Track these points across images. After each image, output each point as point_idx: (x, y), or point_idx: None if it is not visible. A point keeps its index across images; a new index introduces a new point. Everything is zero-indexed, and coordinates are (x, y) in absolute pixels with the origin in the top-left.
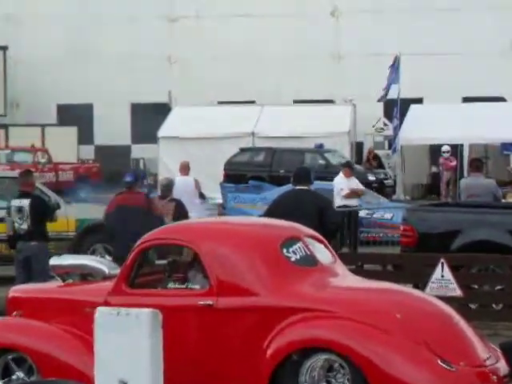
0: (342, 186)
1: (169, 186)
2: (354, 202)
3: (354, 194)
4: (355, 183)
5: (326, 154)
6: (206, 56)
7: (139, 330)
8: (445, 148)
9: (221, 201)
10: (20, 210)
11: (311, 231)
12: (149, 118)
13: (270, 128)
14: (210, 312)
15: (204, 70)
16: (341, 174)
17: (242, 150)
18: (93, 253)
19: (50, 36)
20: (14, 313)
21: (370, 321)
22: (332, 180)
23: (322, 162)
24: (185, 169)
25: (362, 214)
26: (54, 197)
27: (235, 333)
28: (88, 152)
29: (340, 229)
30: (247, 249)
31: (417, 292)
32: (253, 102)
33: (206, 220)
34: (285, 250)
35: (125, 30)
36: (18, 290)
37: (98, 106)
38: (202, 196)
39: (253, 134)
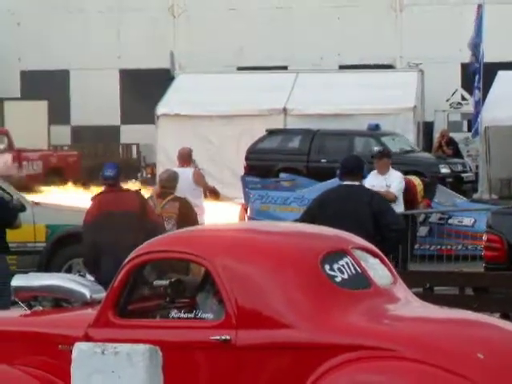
0: (372, 185)
1: (171, 180)
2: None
3: None
4: (389, 182)
5: (384, 139)
6: (221, 6)
7: (132, 374)
8: None
9: (242, 201)
10: None
11: (363, 242)
12: (144, 90)
13: (308, 103)
14: (226, 350)
15: (218, 25)
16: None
17: (271, 133)
18: (69, 270)
19: None
20: None
21: (442, 363)
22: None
23: (377, 148)
24: (184, 158)
25: (432, 218)
26: (16, 195)
27: (259, 378)
28: (63, 135)
29: (403, 239)
30: (277, 266)
31: (506, 324)
32: (284, 68)
33: (222, 227)
34: (327, 267)
35: None
36: None
37: (75, 74)
38: (214, 193)
39: (284, 110)
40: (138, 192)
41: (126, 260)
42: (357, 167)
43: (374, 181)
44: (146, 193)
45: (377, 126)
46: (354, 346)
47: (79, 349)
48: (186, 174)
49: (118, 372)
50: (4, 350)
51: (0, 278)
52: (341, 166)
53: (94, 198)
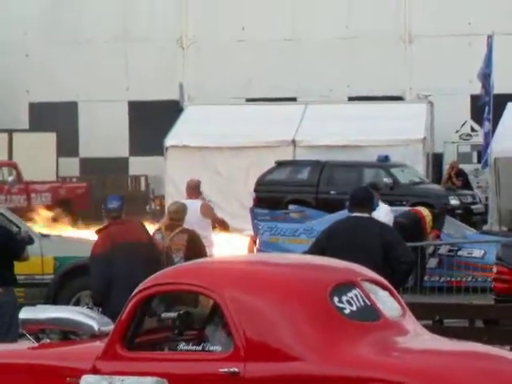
0: None
1: (180, 212)
2: None
3: None
4: (376, 215)
5: (393, 170)
6: (231, 38)
7: None
8: None
9: (251, 232)
10: None
11: (372, 274)
12: (153, 122)
13: (317, 134)
14: (234, 382)
15: (227, 57)
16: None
17: (280, 164)
18: (77, 303)
19: (18, 12)
20: None
21: None
22: (401, 204)
23: (387, 180)
24: (193, 190)
25: (442, 250)
26: (24, 227)
27: None
28: (71, 167)
29: (412, 271)
30: (285, 298)
31: None
32: (293, 100)
33: (230, 259)
34: (336, 300)
35: (119, 3)
36: None
37: (84, 106)
38: (223, 225)
39: (293, 142)
40: (142, 222)
41: (134, 292)
42: (366, 199)
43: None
44: (154, 226)
45: (386, 158)
46: (363, 378)
47: (86, 381)
48: (194, 205)
49: None
50: (12, 383)
51: (8, 311)
52: (350, 197)
53: (100, 231)
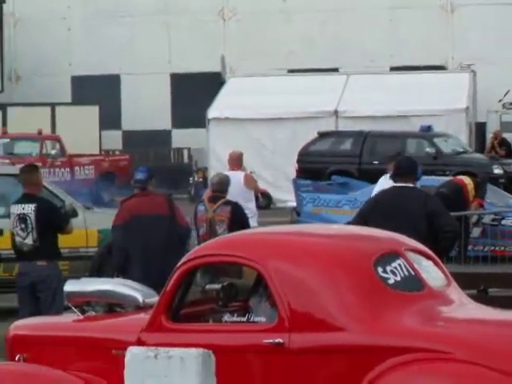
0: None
1: (223, 184)
2: None
3: None
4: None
5: (436, 140)
6: (272, 9)
7: (185, 378)
8: None
9: (294, 203)
10: (23, 218)
11: (416, 244)
12: (195, 94)
13: (359, 105)
14: (279, 353)
15: (269, 28)
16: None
17: (322, 135)
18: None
19: None
20: (17, 356)
21: (496, 365)
22: (444, 174)
23: (430, 150)
24: (235, 161)
25: (485, 219)
26: (68, 200)
27: (312, 381)
28: (114, 140)
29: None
30: (330, 268)
31: None
32: (335, 70)
33: (274, 230)
34: (380, 270)
35: None
36: (21, 327)
37: (126, 79)
38: (267, 196)
39: (336, 112)
40: (167, 196)
41: (179, 264)
42: (409, 169)
43: (386, 184)
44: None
45: (429, 128)
46: (407, 348)
47: (132, 353)
48: (236, 177)
49: (171, 376)
50: (58, 356)
51: (52, 284)
52: (394, 167)
53: (123, 202)
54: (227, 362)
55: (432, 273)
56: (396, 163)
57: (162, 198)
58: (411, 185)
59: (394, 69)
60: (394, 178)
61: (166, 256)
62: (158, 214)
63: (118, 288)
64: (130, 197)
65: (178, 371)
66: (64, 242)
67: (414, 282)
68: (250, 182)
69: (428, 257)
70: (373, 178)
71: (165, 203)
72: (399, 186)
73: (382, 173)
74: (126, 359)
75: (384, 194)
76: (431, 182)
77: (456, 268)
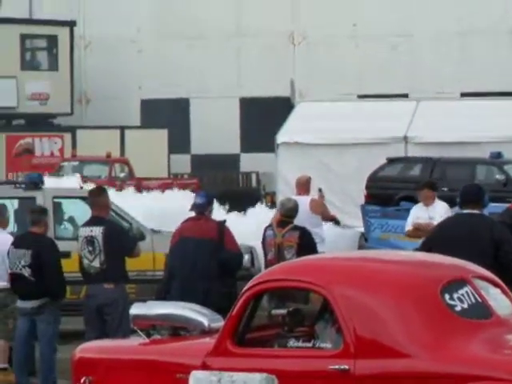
0: (417, 216)
1: (292, 209)
2: None
3: (418, 231)
4: (432, 214)
5: (506, 166)
6: (342, 33)
7: None
8: None
9: (362, 229)
10: (90, 241)
11: (484, 271)
12: (264, 118)
13: (429, 131)
14: (345, 380)
15: (338, 53)
16: (419, 203)
17: (391, 161)
18: None
19: (131, 9)
20: (83, 379)
21: None
22: None
23: (499, 176)
24: (303, 186)
25: None
26: (136, 224)
27: None
28: (183, 163)
29: None
30: (396, 295)
31: None
32: (405, 96)
33: (341, 256)
34: (447, 297)
35: None
36: (87, 350)
37: (196, 103)
38: (335, 221)
39: (405, 138)
40: (220, 222)
41: (245, 288)
42: (477, 195)
43: (418, 212)
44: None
45: (499, 154)
46: (475, 376)
47: (195, 377)
48: (303, 202)
49: None
50: (123, 379)
51: (119, 307)
52: (460, 194)
53: (180, 224)
54: None
55: (499, 300)
56: (462, 190)
57: (214, 223)
58: (478, 212)
59: (464, 95)
60: (460, 204)
61: (209, 281)
62: (205, 239)
63: (184, 312)
64: (185, 220)
65: None
66: (131, 265)
67: (481, 310)
68: (316, 207)
69: (495, 284)
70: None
71: (215, 228)
72: (466, 214)
73: (451, 199)
74: (190, 382)
75: (450, 220)
76: (500, 209)
77: None
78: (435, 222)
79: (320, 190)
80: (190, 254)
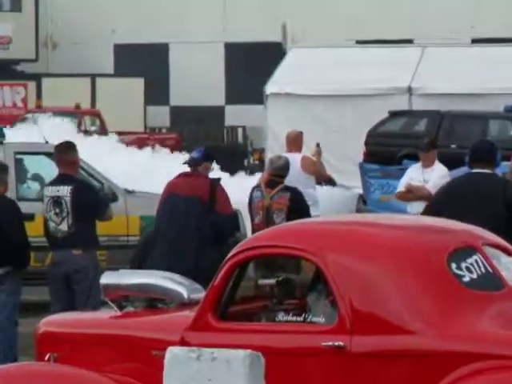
0: (411, 177)
1: (285, 168)
2: None
3: (409, 193)
4: (427, 177)
5: None
6: None
7: (230, 382)
8: None
9: (360, 190)
10: (57, 202)
11: (495, 238)
12: (252, 66)
13: (436, 81)
14: (339, 357)
15: None
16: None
17: (394, 115)
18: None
19: None
20: (47, 356)
21: None
22: None
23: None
24: (293, 142)
25: None
26: (108, 183)
27: None
28: (161, 116)
29: None
30: (398, 264)
31: None
32: (409, 42)
33: (336, 220)
34: (454, 266)
35: None
36: (53, 323)
37: (175, 48)
38: (331, 182)
39: (409, 89)
40: (213, 179)
41: (228, 256)
42: (489, 153)
43: (413, 173)
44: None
45: None
46: (484, 354)
47: (172, 354)
48: (294, 160)
49: (215, 380)
50: (92, 356)
51: (88, 276)
52: (470, 151)
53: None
54: (279, 365)
55: None
56: (472, 147)
57: (206, 180)
58: (489, 171)
59: (475, 41)
60: (470, 163)
61: (198, 245)
62: (194, 197)
63: (161, 281)
64: (176, 176)
65: (222, 374)
66: (102, 229)
67: (492, 281)
68: (309, 165)
69: (508, 253)
70: (450, 164)
71: (206, 186)
72: (476, 173)
73: (460, 158)
74: (166, 360)
75: (459, 180)
76: None
77: None
78: (428, 186)
79: (318, 146)
80: (178, 213)
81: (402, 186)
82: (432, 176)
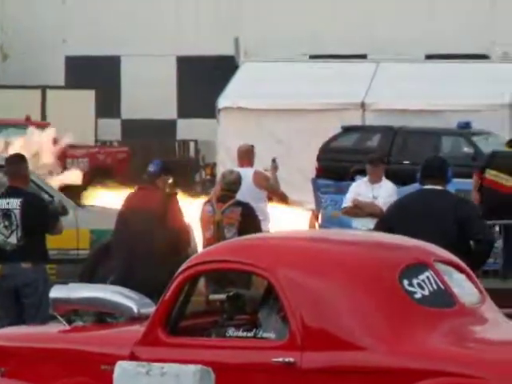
0: (358, 193)
1: (235, 182)
2: None
3: (355, 209)
4: (376, 193)
5: (475, 138)
6: None
7: None
8: None
9: (313, 206)
10: (6, 214)
11: (447, 254)
12: (204, 80)
13: (390, 96)
14: (289, 374)
15: (289, 7)
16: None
17: (346, 130)
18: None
19: None
20: None
21: None
22: None
23: (467, 149)
24: (244, 156)
25: None
26: (58, 196)
27: None
28: (112, 129)
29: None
30: (349, 280)
31: None
32: (363, 57)
33: (288, 235)
34: (406, 282)
35: None
36: (1, 337)
37: (127, 61)
38: (281, 197)
39: (362, 105)
40: (167, 193)
41: (179, 270)
42: (440, 169)
43: (361, 188)
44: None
45: (467, 124)
46: (434, 371)
47: (121, 368)
48: (246, 174)
49: None
50: (40, 370)
51: (37, 290)
52: (422, 168)
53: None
54: (229, 381)
55: (464, 287)
56: (424, 163)
57: (160, 193)
58: (441, 188)
59: (429, 57)
60: (421, 179)
61: (152, 260)
62: (148, 211)
63: (110, 296)
64: (133, 190)
65: None
66: (52, 242)
67: (443, 297)
68: (260, 180)
69: (460, 269)
70: (402, 180)
71: (159, 199)
72: (427, 189)
73: (413, 174)
74: (115, 375)
75: (410, 197)
76: (468, 185)
77: (493, 283)
78: (378, 203)
79: (274, 161)
80: (133, 227)
81: (348, 201)
82: (381, 192)
